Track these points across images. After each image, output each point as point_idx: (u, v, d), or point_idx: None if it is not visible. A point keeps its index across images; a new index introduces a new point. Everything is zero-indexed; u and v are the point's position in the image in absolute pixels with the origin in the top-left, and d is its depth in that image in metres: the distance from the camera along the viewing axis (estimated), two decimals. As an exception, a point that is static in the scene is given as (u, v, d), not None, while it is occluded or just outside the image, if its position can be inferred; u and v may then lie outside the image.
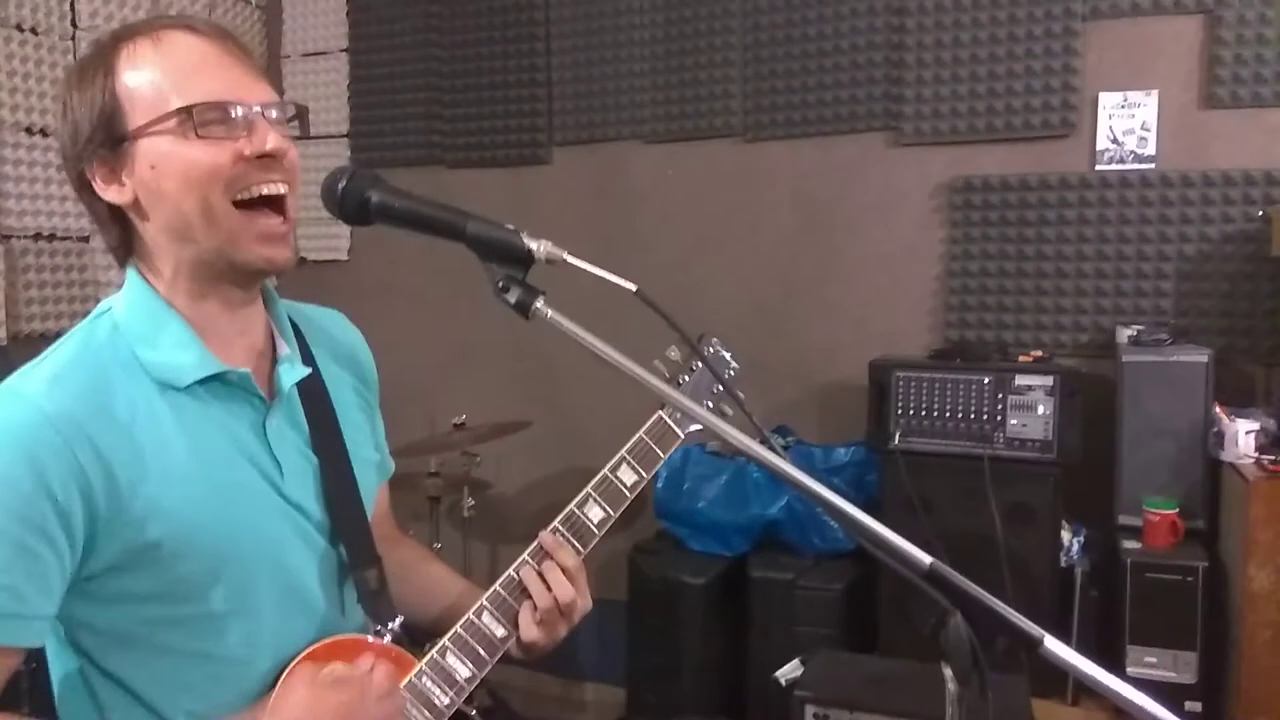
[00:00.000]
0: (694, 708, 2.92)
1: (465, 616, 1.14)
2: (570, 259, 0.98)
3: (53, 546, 0.92)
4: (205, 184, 0.99)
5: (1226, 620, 2.47)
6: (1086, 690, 2.40)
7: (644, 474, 1.20)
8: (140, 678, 1.01)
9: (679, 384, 1.28)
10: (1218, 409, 2.56)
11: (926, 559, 0.92)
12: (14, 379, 0.98)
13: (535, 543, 1.17)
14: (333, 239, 4.01)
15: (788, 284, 3.34)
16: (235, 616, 1.02)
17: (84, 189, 1.04)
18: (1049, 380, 2.68)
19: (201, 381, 1.02)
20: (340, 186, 1.00)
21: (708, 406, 1.29)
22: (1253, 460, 2.43)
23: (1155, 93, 2.89)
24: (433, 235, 1.02)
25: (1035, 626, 0.86)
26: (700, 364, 1.29)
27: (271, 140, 1.00)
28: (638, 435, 1.21)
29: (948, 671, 0.84)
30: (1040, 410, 2.68)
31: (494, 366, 3.68)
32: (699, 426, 1.20)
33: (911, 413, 2.82)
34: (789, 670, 2.58)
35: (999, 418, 2.72)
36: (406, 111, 3.86)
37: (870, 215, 3.24)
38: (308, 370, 1.12)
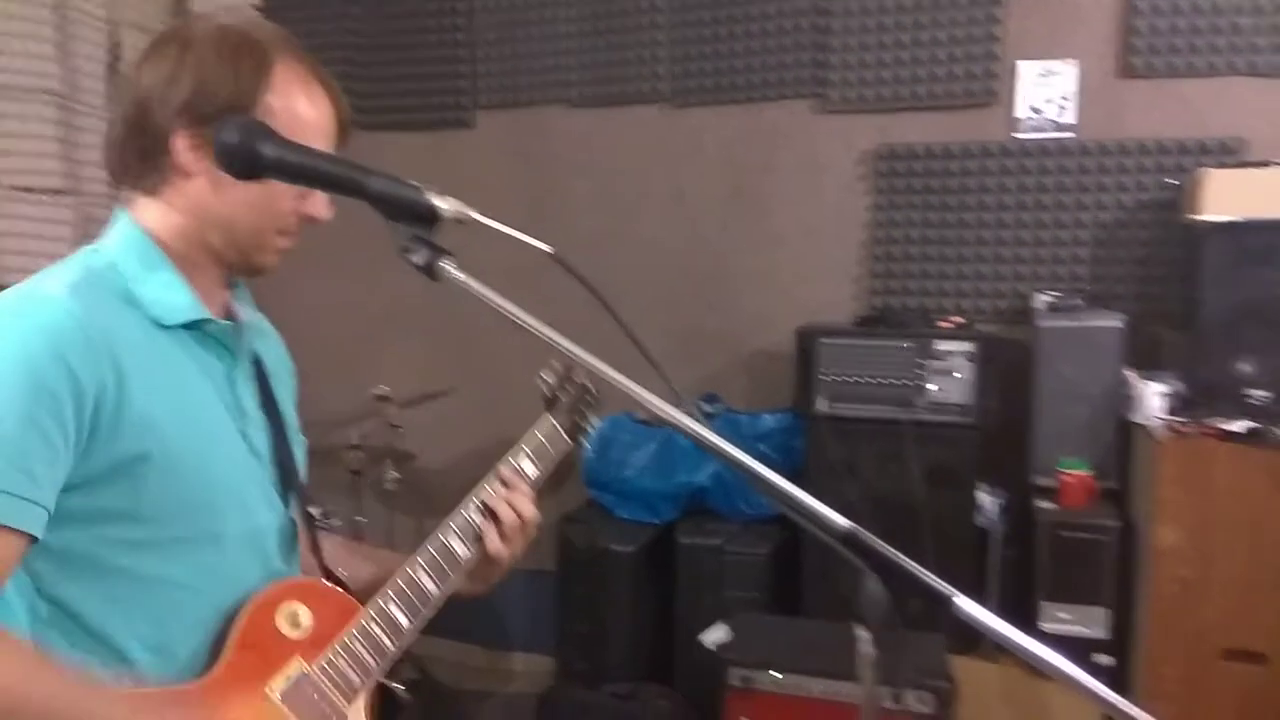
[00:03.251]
0: (623, 674, 2.93)
1: (433, 536, 1.19)
2: (479, 218, 0.94)
3: (65, 439, 0.96)
4: (270, 219, 1.10)
5: (1136, 577, 2.56)
6: (1004, 647, 2.48)
7: (543, 471, 1.29)
8: (92, 604, 1.01)
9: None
10: (1130, 372, 2.64)
11: (845, 522, 0.91)
12: (32, 285, 1.02)
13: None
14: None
15: (715, 251, 3.33)
16: (199, 544, 1.05)
17: (148, 129, 1.07)
18: (969, 346, 2.73)
19: (186, 326, 1.07)
20: (227, 138, 0.94)
21: None
22: (1163, 422, 2.51)
23: (1074, 62, 2.93)
24: (332, 192, 0.98)
25: (945, 585, 0.86)
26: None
27: (327, 213, 1.13)
28: (534, 434, 1.30)
29: (863, 634, 0.84)
30: (960, 375, 2.73)
31: (418, 336, 3.59)
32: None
33: (837, 379, 2.84)
34: (714, 634, 2.60)
35: (921, 383, 2.75)
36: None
37: (797, 182, 3.24)
38: (266, 340, 1.22)
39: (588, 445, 1.37)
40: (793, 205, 3.25)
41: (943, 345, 2.75)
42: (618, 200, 3.40)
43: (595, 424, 1.33)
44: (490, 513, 1.21)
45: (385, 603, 1.15)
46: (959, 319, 2.91)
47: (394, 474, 3.17)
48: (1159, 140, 2.87)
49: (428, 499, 3.51)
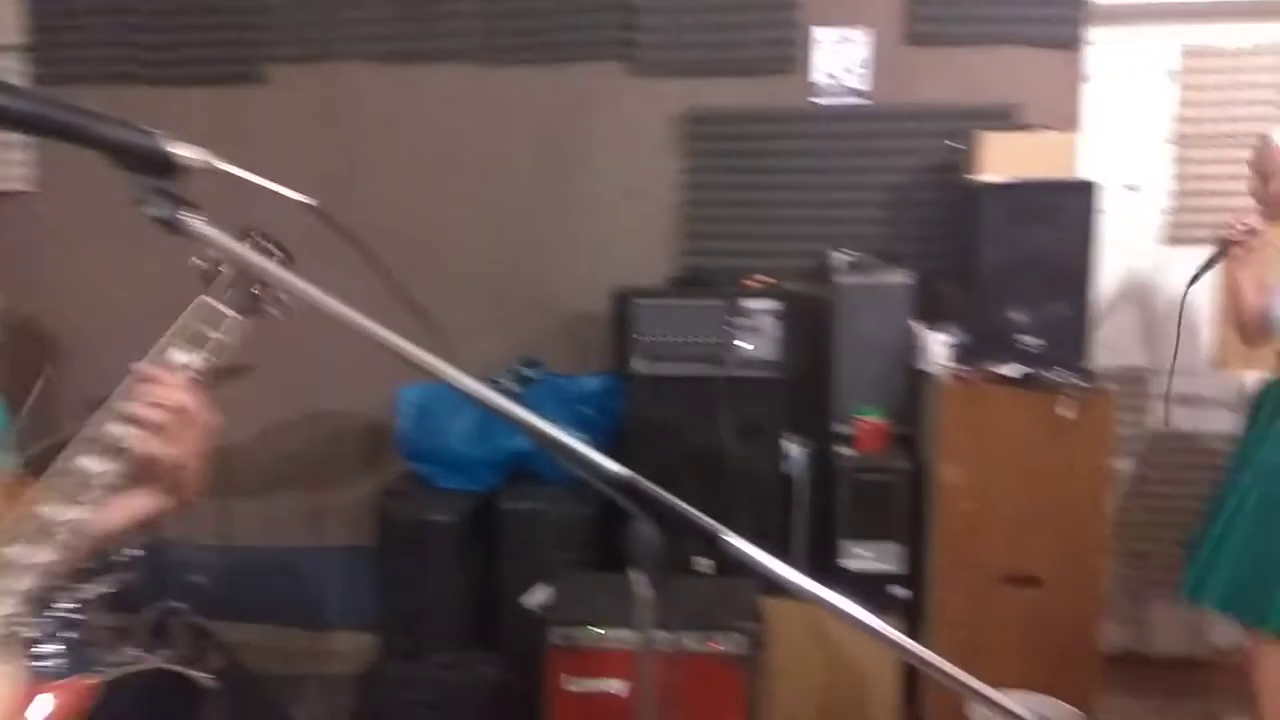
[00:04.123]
0: (448, 645, 2.90)
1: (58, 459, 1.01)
2: (227, 167, 0.89)
3: None
4: None
5: (926, 513, 2.76)
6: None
7: (207, 356, 1.10)
8: None
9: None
10: (918, 324, 2.82)
11: (621, 470, 0.93)
12: None
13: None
14: (13, 166, 3.50)
15: (530, 214, 3.30)
16: None
17: None
18: (774, 304, 2.83)
19: None
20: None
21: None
22: (946, 369, 2.70)
23: (866, 29, 3.07)
24: (56, 139, 0.90)
25: (712, 523, 0.89)
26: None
27: None
28: (184, 320, 1.10)
29: (636, 576, 0.86)
30: (767, 332, 2.83)
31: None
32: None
33: (652, 339, 2.88)
34: (536, 596, 2.61)
35: (731, 341, 2.84)
36: (97, 20, 3.40)
37: (610, 145, 3.25)
38: None
39: (278, 314, 1.15)
40: (605, 167, 3.25)
41: (750, 304, 2.84)
42: (425, 162, 3.30)
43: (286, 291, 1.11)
44: (133, 417, 1.03)
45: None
46: (765, 278, 3.01)
47: (192, 455, 2.97)
48: (943, 105, 3.05)
49: (235, 479, 3.33)
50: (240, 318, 1.10)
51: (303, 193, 0.95)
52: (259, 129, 3.28)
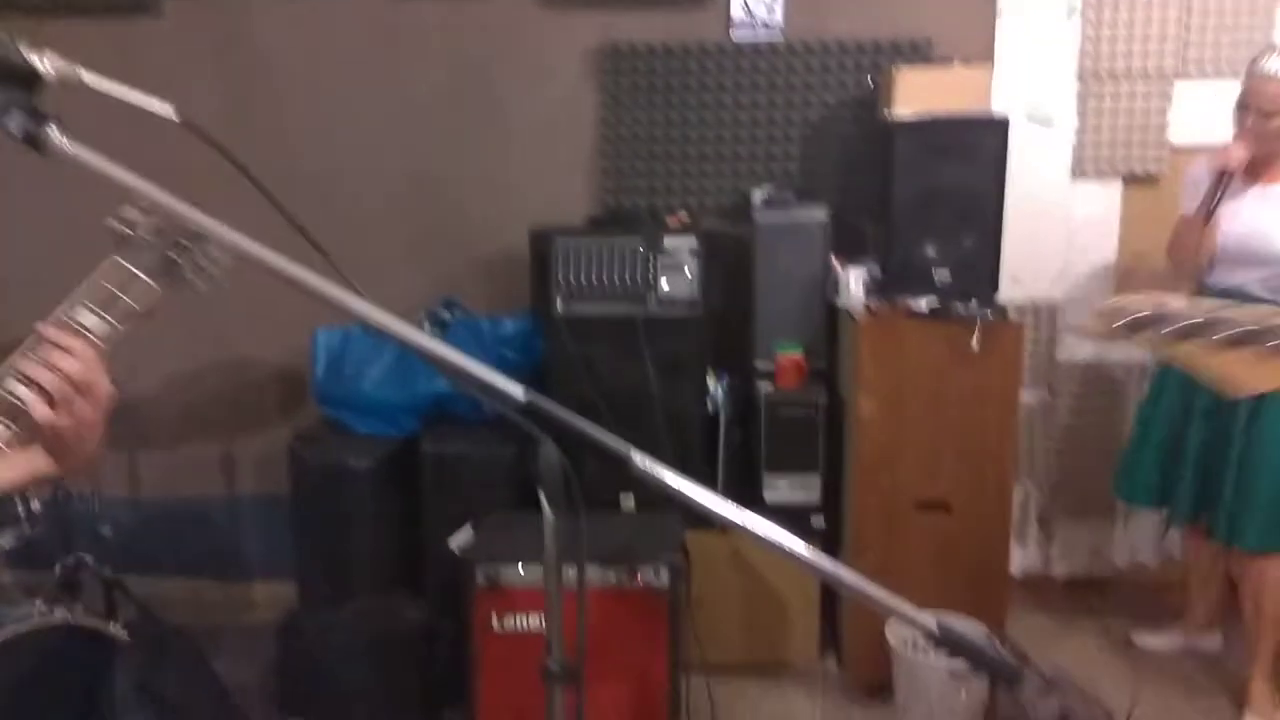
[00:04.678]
0: (371, 590, 2.87)
1: None
2: (90, 78, 0.84)
3: None
4: None
5: (843, 445, 2.82)
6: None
7: (114, 323, 1.05)
8: None
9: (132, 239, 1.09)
10: (835, 260, 2.84)
11: (522, 393, 0.91)
12: None
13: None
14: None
15: (445, 151, 3.21)
16: None
17: None
18: (694, 243, 2.82)
19: None
20: None
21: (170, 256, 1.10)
22: (861, 304, 2.74)
23: (780, -37, 3.04)
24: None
25: (622, 443, 0.88)
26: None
27: None
28: (95, 280, 1.06)
29: (542, 498, 0.85)
30: (687, 270, 2.82)
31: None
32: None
33: (572, 279, 2.85)
34: (461, 537, 2.60)
35: (652, 279, 2.82)
36: (-33, -55, 3.16)
37: (525, 79, 3.17)
38: None
39: (204, 286, 1.11)
40: (520, 103, 3.18)
41: (670, 242, 2.82)
42: (332, 98, 3.17)
43: (212, 261, 1.09)
44: (31, 379, 0.98)
45: None
46: (684, 216, 3.00)
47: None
48: (858, 40, 3.05)
49: (137, 427, 3.23)
50: (153, 284, 1.04)
51: (204, 130, 0.90)
52: (156, 64, 3.09)
